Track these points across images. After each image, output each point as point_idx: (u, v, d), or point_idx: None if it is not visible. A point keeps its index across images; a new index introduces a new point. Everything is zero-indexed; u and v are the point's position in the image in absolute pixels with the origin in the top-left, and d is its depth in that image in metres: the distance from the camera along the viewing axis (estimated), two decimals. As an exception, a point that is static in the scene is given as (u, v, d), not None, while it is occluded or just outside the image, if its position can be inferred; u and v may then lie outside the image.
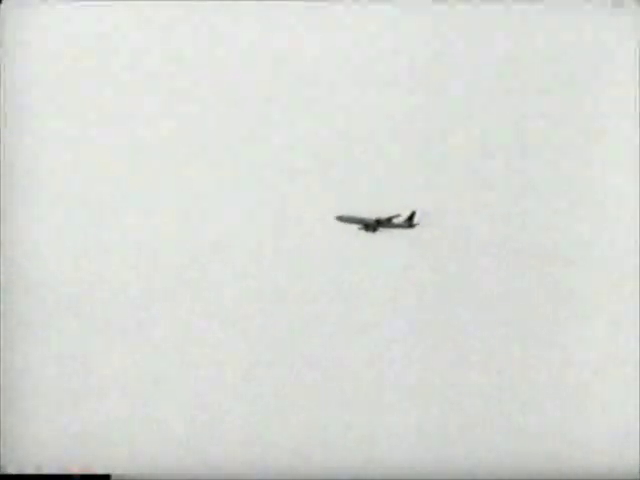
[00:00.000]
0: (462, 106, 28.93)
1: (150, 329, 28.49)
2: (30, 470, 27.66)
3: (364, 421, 28.53)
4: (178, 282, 28.70)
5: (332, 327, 28.82)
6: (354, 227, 29.21)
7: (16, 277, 28.35)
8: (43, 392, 28.17)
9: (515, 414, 28.52)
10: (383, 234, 29.18)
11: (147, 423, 28.29)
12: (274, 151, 28.97)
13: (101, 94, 28.74)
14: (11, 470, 27.65)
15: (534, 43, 28.94)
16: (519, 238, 28.94)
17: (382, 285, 29.01)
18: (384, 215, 29.08)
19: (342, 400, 28.60)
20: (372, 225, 29.43)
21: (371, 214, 29.08)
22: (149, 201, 28.78)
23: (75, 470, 27.57)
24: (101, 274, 28.56)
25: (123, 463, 27.99)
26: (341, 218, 29.37)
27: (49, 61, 28.58)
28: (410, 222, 29.29)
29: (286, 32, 28.79)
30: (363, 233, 29.33)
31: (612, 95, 28.87)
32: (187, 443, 28.29)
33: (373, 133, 28.94)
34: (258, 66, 28.87)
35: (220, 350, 28.52)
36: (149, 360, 28.42)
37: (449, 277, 28.94)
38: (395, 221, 29.30)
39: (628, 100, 28.77)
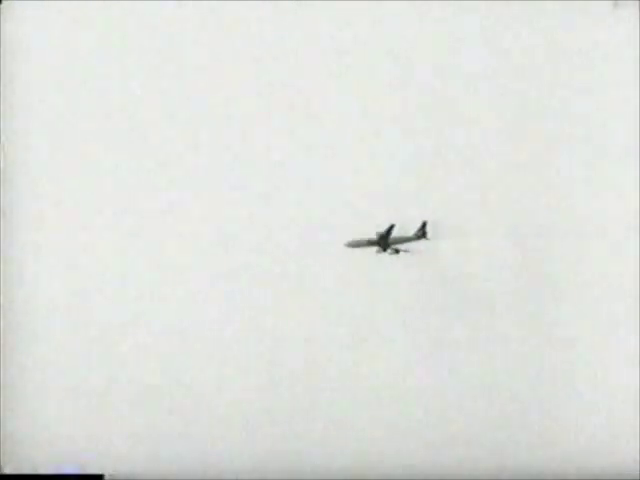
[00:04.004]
0: (460, 107, 28.98)
1: (149, 331, 28.46)
2: (27, 470, 27.66)
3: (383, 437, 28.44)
4: (179, 290, 28.70)
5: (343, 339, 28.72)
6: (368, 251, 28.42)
7: (15, 278, 28.33)
8: (43, 392, 28.12)
9: (514, 414, 28.52)
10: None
11: (145, 423, 28.24)
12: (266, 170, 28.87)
13: (102, 93, 28.75)
14: (8, 470, 27.64)
15: (534, 43, 29.04)
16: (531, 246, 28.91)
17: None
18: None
19: (344, 409, 28.58)
20: (383, 244, 27.87)
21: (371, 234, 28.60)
22: (148, 207, 28.76)
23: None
24: (101, 275, 28.54)
25: (117, 463, 27.96)
26: (351, 244, 28.08)
27: (49, 60, 28.58)
28: (423, 233, 28.19)
29: (286, 34, 28.84)
30: (382, 256, 28.14)
31: (612, 95, 28.97)
32: (182, 444, 28.25)
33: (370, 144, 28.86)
34: (258, 72, 28.91)
35: (220, 353, 28.49)
36: (148, 361, 28.38)
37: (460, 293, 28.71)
38: (396, 234, 28.00)
39: (628, 100, 28.88)
